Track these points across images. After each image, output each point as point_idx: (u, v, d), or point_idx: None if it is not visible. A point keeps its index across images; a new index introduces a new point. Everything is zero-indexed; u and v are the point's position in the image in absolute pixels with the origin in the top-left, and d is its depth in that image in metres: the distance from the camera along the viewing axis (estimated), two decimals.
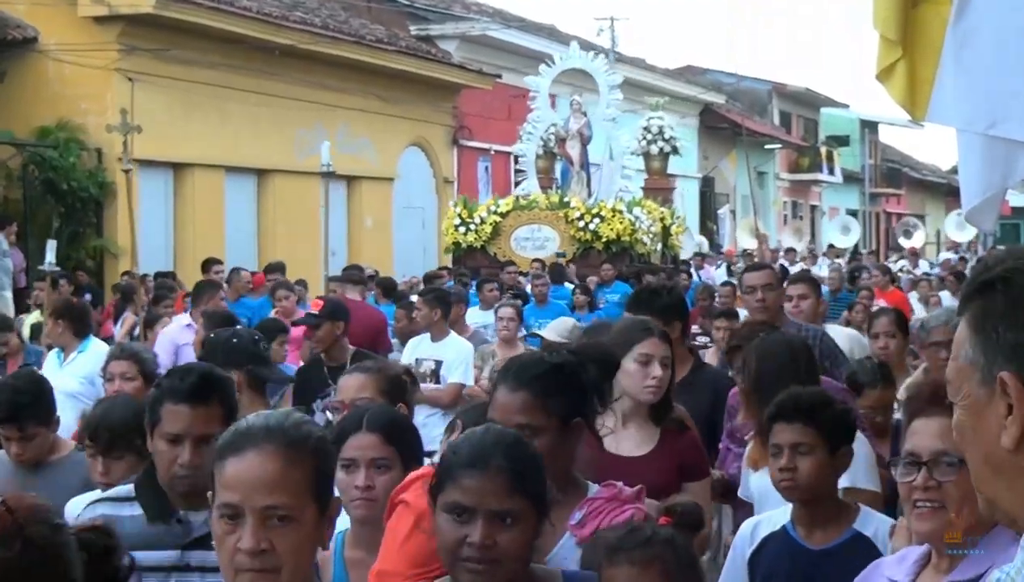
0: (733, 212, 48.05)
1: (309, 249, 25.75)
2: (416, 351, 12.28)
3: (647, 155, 31.49)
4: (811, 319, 9.24)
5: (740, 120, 51.69)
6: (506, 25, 38.20)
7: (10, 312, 18.04)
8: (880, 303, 17.76)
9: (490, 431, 3.65)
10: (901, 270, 32.96)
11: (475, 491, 3.43)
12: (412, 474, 4.30)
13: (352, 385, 5.78)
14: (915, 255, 41.94)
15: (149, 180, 26.27)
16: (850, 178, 67.78)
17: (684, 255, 33.43)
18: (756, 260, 33.77)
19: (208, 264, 18.99)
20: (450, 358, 12.06)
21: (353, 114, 31.66)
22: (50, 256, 15.23)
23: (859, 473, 5.70)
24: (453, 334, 12.54)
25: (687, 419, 6.37)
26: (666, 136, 31.57)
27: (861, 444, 5.64)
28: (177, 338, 12.79)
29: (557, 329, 10.05)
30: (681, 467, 5.85)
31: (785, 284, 9.68)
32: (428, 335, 12.33)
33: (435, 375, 11.97)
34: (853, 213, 70.11)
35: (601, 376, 4.59)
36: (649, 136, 31.44)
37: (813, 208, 63.99)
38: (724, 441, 7.18)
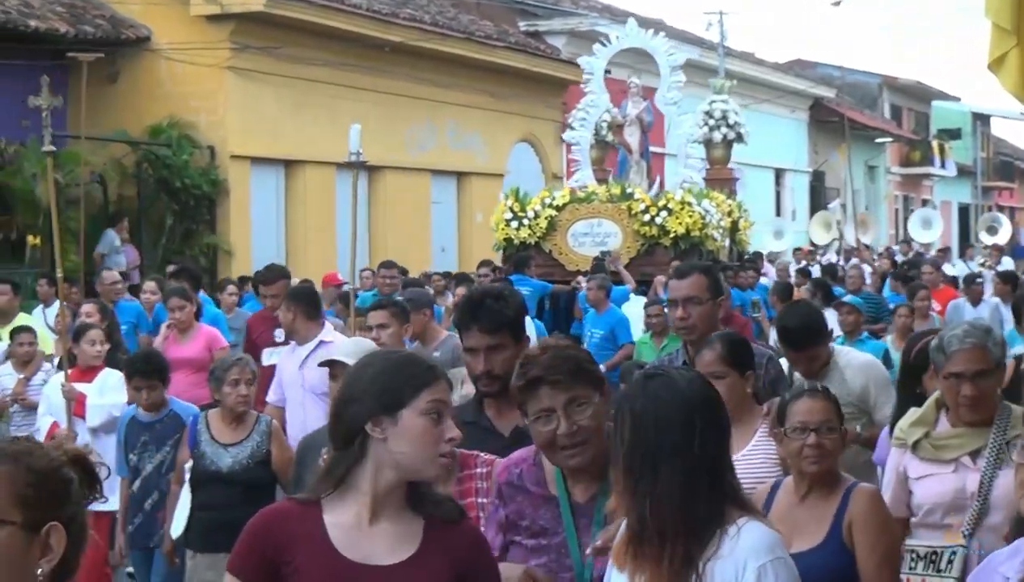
0: (844, 206, 47.42)
1: (419, 245, 25.80)
2: None
3: (709, 142, 27.91)
4: None
5: (850, 114, 51.20)
6: (615, 20, 38.06)
7: None
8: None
9: None
10: (983, 265, 30.79)
11: None
12: None
13: None
14: (999, 252, 35.97)
15: (260, 177, 26.55)
16: (962, 172, 67.00)
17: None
18: (847, 261, 31.95)
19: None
20: None
21: (462, 110, 31.77)
22: None
23: None
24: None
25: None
26: (730, 121, 28.18)
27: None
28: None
29: (355, 352, 6.69)
30: (459, 573, 3.85)
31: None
32: None
33: None
34: (965, 207, 69.34)
35: None
36: (712, 121, 28.08)
37: (925, 202, 63.31)
38: (490, 530, 4.71)
